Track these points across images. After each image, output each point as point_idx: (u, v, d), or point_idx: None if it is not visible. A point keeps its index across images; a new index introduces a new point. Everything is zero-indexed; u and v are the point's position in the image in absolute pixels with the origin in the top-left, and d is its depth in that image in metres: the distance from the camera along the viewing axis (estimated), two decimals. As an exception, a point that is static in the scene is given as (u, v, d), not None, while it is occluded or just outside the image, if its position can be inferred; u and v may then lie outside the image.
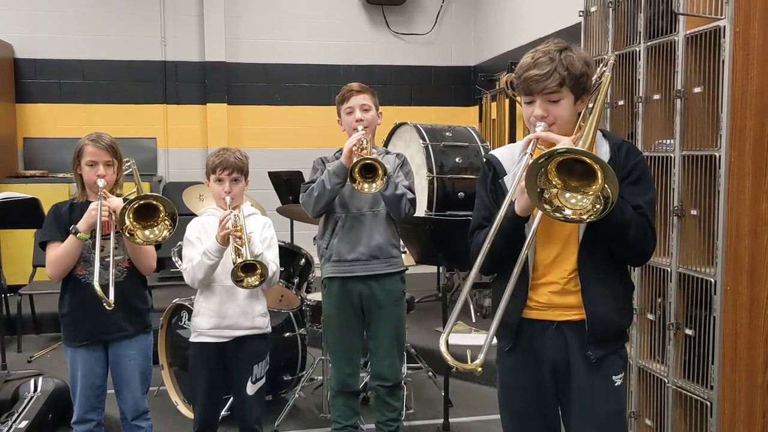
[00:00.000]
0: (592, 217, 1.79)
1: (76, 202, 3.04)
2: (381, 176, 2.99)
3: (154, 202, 2.78)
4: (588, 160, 1.75)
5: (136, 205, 2.76)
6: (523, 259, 1.97)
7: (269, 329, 3.13)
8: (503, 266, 2.08)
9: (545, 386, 2.17)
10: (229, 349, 3.02)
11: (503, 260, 2.04)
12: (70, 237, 2.90)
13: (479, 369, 1.83)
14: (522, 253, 1.97)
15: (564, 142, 1.95)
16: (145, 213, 2.79)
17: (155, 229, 2.80)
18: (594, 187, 1.77)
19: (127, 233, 2.77)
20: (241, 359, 3.03)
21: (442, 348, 1.84)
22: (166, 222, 2.80)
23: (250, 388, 3.04)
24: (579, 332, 2.11)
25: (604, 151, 2.11)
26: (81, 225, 2.89)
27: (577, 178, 1.80)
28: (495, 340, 2.24)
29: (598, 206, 1.78)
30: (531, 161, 1.81)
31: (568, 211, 1.81)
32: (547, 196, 1.81)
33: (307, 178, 3.35)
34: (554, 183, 1.81)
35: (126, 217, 2.74)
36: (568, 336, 2.12)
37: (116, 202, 2.90)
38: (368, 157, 3.00)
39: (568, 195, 1.81)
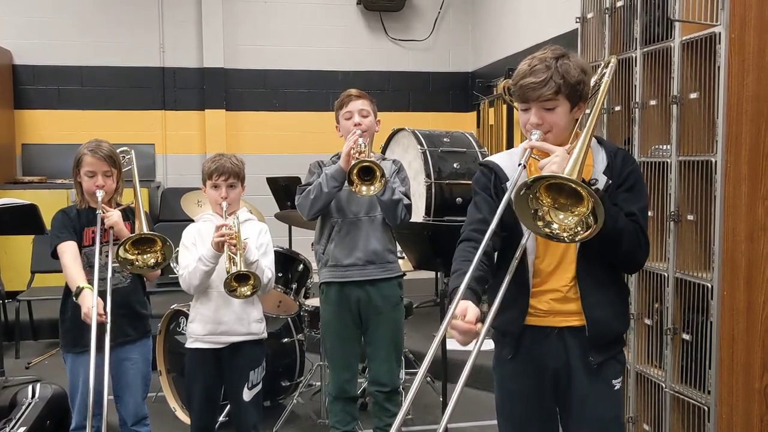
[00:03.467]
0: (569, 237, 1.82)
1: (80, 208, 3.05)
2: (379, 179, 3.00)
3: (154, 238, 2.84)
4: (573, 186, 1.77)
5: (131, 240, 2.80)
6: (512, 268, 1.98)
7: (265, 335, 3.14)
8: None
9: (545, 391, 2.18)
10: (225, 355, 3.03)
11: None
12: (75, 285, 2.88)
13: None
14: (512, 263, 1.98)
15: (557, 152, 1.96)
16: (145, 240, 2.82)
17: (149, 254, 2.84)
18: (580, 209, 1.79)
19: (129, 266, 2.81)
20: (238, 365, 3.04)
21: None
22: (159, 255, 2.85)
23: (247, 394, 3.04)
24: (579, 338, 2.12)
25: (600, 158, 2.11)
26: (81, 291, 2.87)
27: (566, 196, 1.82)
28: (490, 346, 2.25)
29: (579, 229, 1.79)
30: (514, 194, 1.83)
31: (555, 225, 1.83)
32: (540, 213, 1.83)
33: (303, 182, 3.36)
34: (544, 202, 1.83)
35: (123, 250, 2.78)
36: (569, 342, 2.13)
37: (114, 218, 2.92)
38: (367, 159, 3.01)
39: (557, 211, 1.83)
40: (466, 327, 1.88)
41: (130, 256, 2.79)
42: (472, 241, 2.10)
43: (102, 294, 2.84)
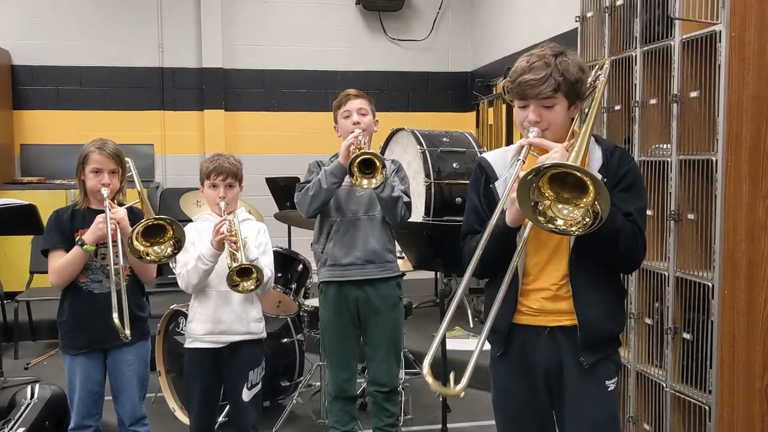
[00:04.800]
0: (580, 230, 1.79)
1: (78, 209, 3.03)
2: (380, 170, 2.99)
3: (161, 223, 2.79)
4: (578, 174, 1.75)
5: (143, 227, 2.76)
6: (513, 267, 1.97)
7: (264, 335, 3.13)
8: (494, 271, 2.08)
9: (539, 391, 2.17)
10: (224, 355, 3.02)
11: (494, 266, 2.05)
12: (76, 248, 2.90)
13: (462, 395, 1.81)
14: (513, 261, 1.97)
15: (557, 149, 1.95)
16: (153, 231, 2.80)
17: (163, 245, 2.80)
18: (585, 199, 1.76)
19: (140, 255, 2.78)
20: (237, 365, 3.03)
21: (425, 370, 1.82)
22: (172, 242, 2.81)
23: (246, 394, 3.04)
24: (571, 338, 2.10)
25: (596, 156, 2.10)
26: (88, 237, 2.89)
27: (569, 189, 1.79)
28: (487, 345, 2.25)
29: (587, 220, 1.77)
30: (520, 178, 1.80)
31: (559, 221, 1.80)
32: (541, 208, 1.81)
33: (302, 180, 3.35)
34: (547, 195, 1.80)
35: (135, 240, 2.75)
36: (561, 341, 2.12)
37: (121, 214, 2.91)
38: (367, 151, 3.00)
39: (560, 206, 1.81)
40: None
41: (141, 247, 2.77)
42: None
43: (107, 296, 2.83)
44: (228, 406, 3.57)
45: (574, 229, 1.80)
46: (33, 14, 7.50)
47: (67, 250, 2.95)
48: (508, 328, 2.15)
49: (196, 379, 3.05)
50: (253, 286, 2.83)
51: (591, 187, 1.74)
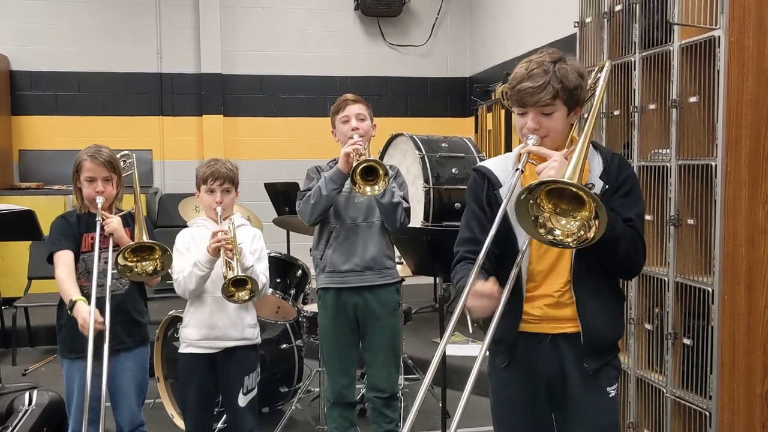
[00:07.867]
0: (575, 242, 1.79)
1: (80, 214, 3.03)
2: (382, 177, 2.98)
3: (150, 244, 2.81)
4: (574, 189, 1.75)
5: (130, 249, 2.77)
6: (514, 275, 1.97)
7: (259, 340, 3.13)
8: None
9: (540, 399, 2.16)
10: (219, 361, 3.01)
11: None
12: (70, 296, 2.84)
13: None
14: (513, 270, 1.97)
15: (555, 158, 1.94)
16: (143, 248, 2.80)
17: (148, 262, 2.82)
18: (582, 213, 1.77)
19: (128, 273, 2.78)
20: (232, 371, 3.02)
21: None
22: (158, 263, 2.82)
23: (242, 400, 3.03)
24: (573, 345, 2.10)
25: (597, 162, 2.10)
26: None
27: (567, 201, 1.80)
28: (486, 353, 2.24)
29: (582, 233, 1.77)
30: (515, 199, 1.80)
31: (557, 232, 1.81)
32: (541, 220, 1.81)
33: (302, 188, 3.34)
34: (545, 208, 1.81)
35: (123, 258, 2.75)
36: (563, 348, 2.11)
37: (115, 224, 2.90)
38: (369, 158, 3.00)
39: (558, 217, 1.81)
40: (488, 290, 1.86)
41: (129, 263, 2.77)
42: (466, 260, 2.10)
43: (100, 301, 2.82)
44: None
45: (569, 240, 1.80)
46: (31, 20, 7.50)
47: (74, 251, 2.95)
48: (515, 338, 2.14)
49: (191, 384, 3.04)
50: (247, 297, 2.84)
51: (587, 202, 1.74)
